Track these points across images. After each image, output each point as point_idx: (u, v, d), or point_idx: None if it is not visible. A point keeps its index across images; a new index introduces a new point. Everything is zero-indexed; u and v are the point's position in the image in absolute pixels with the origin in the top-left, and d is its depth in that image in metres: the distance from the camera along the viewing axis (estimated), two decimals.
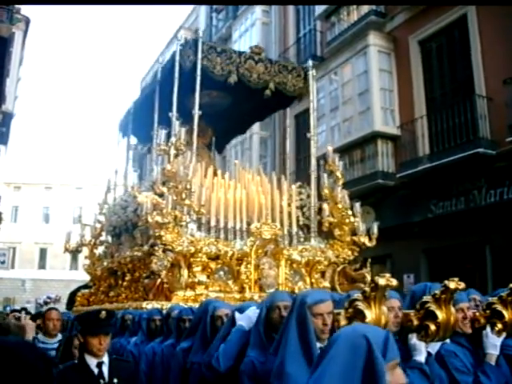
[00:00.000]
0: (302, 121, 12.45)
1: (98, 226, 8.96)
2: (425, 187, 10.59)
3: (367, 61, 11.94)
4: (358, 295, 2.66)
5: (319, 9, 13.94)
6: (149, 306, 5.73)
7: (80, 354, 3.01)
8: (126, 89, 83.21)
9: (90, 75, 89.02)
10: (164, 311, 4.85)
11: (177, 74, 7.13)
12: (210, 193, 6.86)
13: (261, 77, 7.60)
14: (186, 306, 4.76)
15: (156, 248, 6.01)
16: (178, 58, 7.23)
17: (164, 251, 5.98)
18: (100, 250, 9.05)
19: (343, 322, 2.64)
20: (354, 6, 12.83)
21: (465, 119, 10.02)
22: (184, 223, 6.27)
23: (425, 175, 10.51)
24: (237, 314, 3.34)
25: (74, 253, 9.71)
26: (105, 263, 8.23)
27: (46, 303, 27.63)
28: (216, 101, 8.26)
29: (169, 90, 7.41)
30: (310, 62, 8.26)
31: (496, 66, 9.69)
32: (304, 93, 8.08)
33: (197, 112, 6.94)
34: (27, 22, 21.87)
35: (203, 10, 22.94)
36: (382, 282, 2.56)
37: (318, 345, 2.58)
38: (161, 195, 6.27)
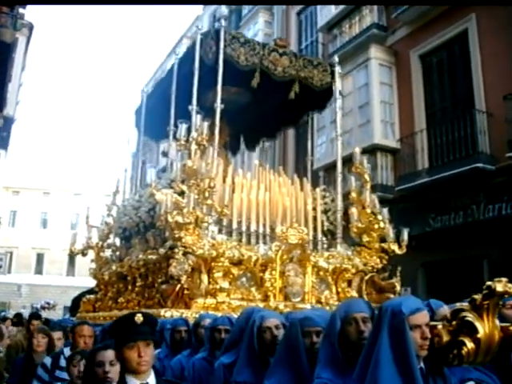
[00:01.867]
0: (302, 131, 12.22)
1: (106, 228, 8.42)
2: (423, 201, 10.48)
3: (368, 74, 11.93)
4: (464, 304, 2.16)
5: (321, 21, 13.92)
6: (167, 313, 5.22)
7: (120, 375, 2.33)
8: (126, 96, 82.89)
9: (90, 82, 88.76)
10: (190, 321, 4.32)
11: (197, 65, 6.63)
12: (231, 193, 6.37)
13: (286, 70, 7.09)
14: (219, 315, 4.19)
15: (176, 251, 5.49)
16: (198, 47, 6.73)
17: (184, 254, 5.47)
18: (107, 253, 8.52)
19: (446, 337, 2.15)
20: (357, 19, 12.78)
21: (464, 134, 9.94)
22: (205, 224, 5.77)
23: (424, 189, 10.40)
24: None
25: (78, 256, 9.16)
26: (113, 267, 7.67)
27: (43, 308, 27.09)
28: (235, 98, 7.71)
29: (185, 83, 6.94)
30: (336, 58, 7.81)
31: (496, 82, 9.63)
32: (330, 87, 7.60)
33: (219, 105, 6.42)
34: (31, 27, 21.50)
35: (206, 19, 22.71)
36: (499, 287, 2.06)
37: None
38: (180, 193, 5.78)
